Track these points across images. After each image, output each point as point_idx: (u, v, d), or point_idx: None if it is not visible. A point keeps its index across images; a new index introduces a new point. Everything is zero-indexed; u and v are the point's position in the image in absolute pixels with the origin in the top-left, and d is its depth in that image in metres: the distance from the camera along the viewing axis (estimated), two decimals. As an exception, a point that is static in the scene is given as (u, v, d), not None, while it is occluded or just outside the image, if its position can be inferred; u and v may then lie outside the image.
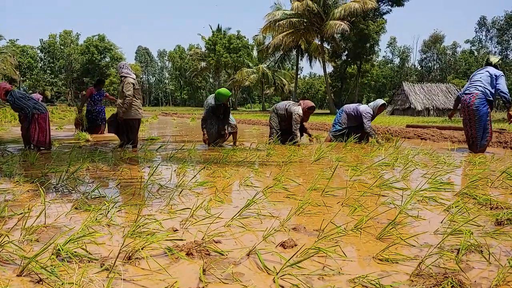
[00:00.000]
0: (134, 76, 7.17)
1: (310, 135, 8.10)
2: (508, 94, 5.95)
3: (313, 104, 7.67)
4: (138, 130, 7.41)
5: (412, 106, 32.53)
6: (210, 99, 7.42)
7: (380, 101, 7.79)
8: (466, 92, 6.16)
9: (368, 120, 7.49)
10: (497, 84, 5.93)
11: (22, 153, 6.07)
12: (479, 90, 5.98)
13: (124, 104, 6.89)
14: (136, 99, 7.07)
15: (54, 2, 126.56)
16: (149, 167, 4.94)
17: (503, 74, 6.04)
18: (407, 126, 10.01)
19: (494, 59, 6.23)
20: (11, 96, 6.71)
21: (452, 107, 32.17)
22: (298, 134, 7.47)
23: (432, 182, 3.68)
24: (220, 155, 5.93)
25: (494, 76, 5.94)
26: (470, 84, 6.14)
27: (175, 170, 4.56)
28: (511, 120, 6.08)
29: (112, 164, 5.09)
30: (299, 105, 7.63)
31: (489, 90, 5.95)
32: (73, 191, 3.50)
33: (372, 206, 2.95)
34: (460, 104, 6.33)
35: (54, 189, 3.60)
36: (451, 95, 34.39)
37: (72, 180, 4.00)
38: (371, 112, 7.61)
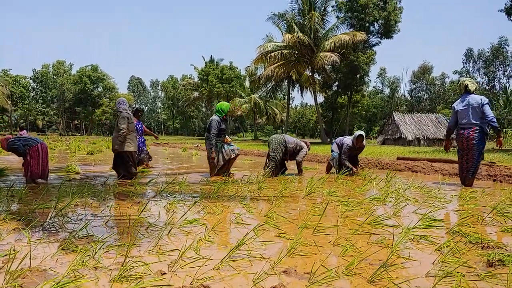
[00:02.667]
0: (130, 112, 7.50)
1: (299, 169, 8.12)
2: (496, 122, 6.03)
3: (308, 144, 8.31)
4: (134, 162, 7.58)
5: (403, 136, 32.82)
6: (214, 117, 7.81)
7: (358, 133, 7.93)
8: (465, 125, 6.18)
9: (343, 152, 7.94)
10: (485, 112, 6.00)
11: (9, 188, 5.99)
12: (477, 125, 6.04)
13: (118, 137, 7.21)
14: (130, 132, 7.35)
15: (48, 33, 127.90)
16: (138, 202, 4.89)
17: (487, 101, 6.13)
18: (398, 158, 10.06)
19: (472, 86, 6.31)
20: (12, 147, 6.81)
21: (443, 137, 32.59)
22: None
23: (423, 219, 3.67)
24: (211, 189, 5.90)
25: (481, 105, 6.02)
26: (466, 116, 6.14)
27: (164, 206, 4.51)
28: (501, 147, 6.24)
29: (101, 199, 5.03)
30: (305, 143, 8.22)
31: (484, 122, 6.02)
32: (61, 230, 3.44)
33: (363, 245, 2.92)
34: (455, 137, 6.38)
35: (41, 227, 3.54)
36: (441, 125, 34.79)
37: (60, 217, 3.94)
38: (350, 144, 7.90)
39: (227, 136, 8.06)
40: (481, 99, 6.04)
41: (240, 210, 4.28)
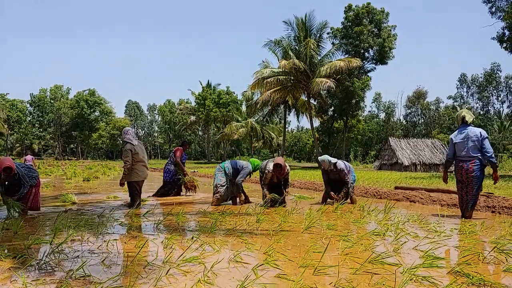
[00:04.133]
0: (135, 142, 7.76)
1: (283, 193, 7.94)
2: (494, 157, 6.04)
3: (280, 162, 7.60)
4: (139, 191, 7.88)
5: (399, 161, 32.90)
6: (249, 166, 8.24)
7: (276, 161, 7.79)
8: (463, 158, 6.19)
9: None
10: (484, 146, 6.02)
11: (5, 220, 5.92)
12: (476, 157, 6.06)
13: (124, 168, 7.68)
14: (136, 162, 7.68)
15: (45, 57, 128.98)
16: (136, 237, 4.83)
17: (487, 135, 6.16)
18: (396, 187, 10.05)
19: (470, 118, 6.35)
20: (17, 174, 6.47)
21: (439, 162, 32.66)
22: (264, 188, 7.81)
23: (424, 256, 3.64)
24: (209, 221, 5.86)
25: (480, 138, 6.04)
26: (464, 149, 6.15)
27: (162, 241, 4.46)
28: (496, 182, 6.26)
29: (98, 234, 4.98)
30: (272, 161, 7.81)
31: (482, 155, 6.04)
32: (57, 269, 3.39)
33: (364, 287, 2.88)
34: (454, 168, 6.38)
35: (37, 266, 3.48)
36: (437, 150, 34.95)
37: (56, 253, 3.89)
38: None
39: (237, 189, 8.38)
40: (480, 133, 6.07)
41: (239, 247, 4.23)
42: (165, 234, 5.00)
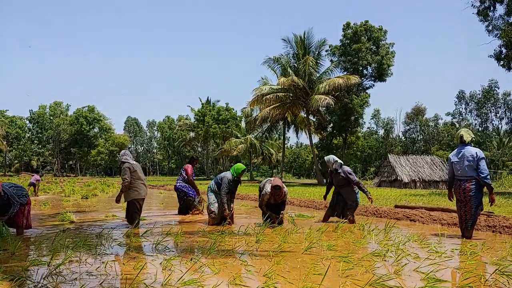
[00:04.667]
0: (133, 162, 7.85)
1: (279, 216, 7.88)
2: (489, 179, 6.03)
3: (278, 184, 7.52)
4: (139, 210, 7.89)
5: (398, 178, 32.83)
6: (228, 175, 7.91)
7: (274, 183, 7.72)
8: (461, 177, 6.19)
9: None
10: (480, 167, 6.02)
11: (1, 240, 5.87)
12: (473, 177, 6.05)
13: (122, 186, 7.71)
14: (135, 180, 7.75)
15: (45, 73, 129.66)
16: (134, 258, 4.79)
17: (483, 155, 6.17)
18: (396, 206, 10.01)
19: (468, 137, 6.35)
20: (5, 194, 6.48)
21: (439, 179, 32.59)
22: (264, 208, 7.67)
23: (425, 279, 3.61)
24: (208, 242, 5.81)
25: (476, 158, 6.05)
26: (461, 168, 6.15)
27: (161, 263, 4.42)
28: (493, 204, 6.25)
29: (96, 254, 4.93)
30: (270, 183, 7.73)
31: (479, 174, 6.03)
32: (54, 293, 3.35)
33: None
34: (453, 187, 6.36)
35: (34, 290, 3.44)
36: (436, 167, 34.91)
37: (54, 275, 3.85)
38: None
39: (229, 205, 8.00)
40: (476, 153, 6.07)
41: (239, 269, 4.19)
42: (164, 255, 4.96)
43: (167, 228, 7.03)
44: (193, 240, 6.28)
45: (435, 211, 8.57)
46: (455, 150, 6.42)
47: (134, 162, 7.95)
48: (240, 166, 7.99)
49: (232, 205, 7.99)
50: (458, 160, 6.22)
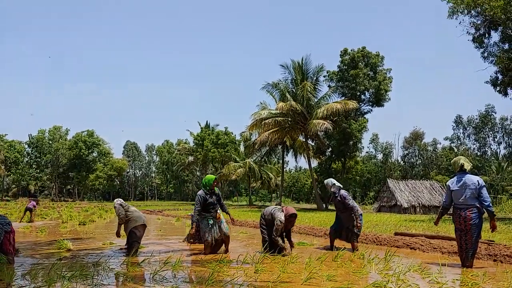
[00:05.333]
0: (121, 201, 8.35)
1: (290, 245, 7.91)
2: (492, 206, 6.01)
3: (294, 212, 7.64)
4: (139, 239, 8.01)
5: (398, 203, 32.69)
6: (199, 192, 7.74)
7: (292, 211, 7.71)
8: (461, 206, 6.16)
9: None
10: (482, 195, 6.01)
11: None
12: (474, 205, 6.03)
13: (119, 221, 8.13)
14: (131, 212, 8.13)
15: (44, 98, 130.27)
16: (132, 289, 4.72)
17: (484, 183, 6.17)
18: (395, 234, 9.93)
19: (468, 165, 6.36)
20: None
21: (438, 204, 32.44)
22: (279, 240, 7.46)
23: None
24: (206, 271, 5.74)
25: (478, 187, 6.04)
26: (462, 196, 6.12)
27: (159, 295, 4.36)
28: (494, 230, 6.22)
29: (93, 285, 4.87)
30: (282, 211, 7.65)
31: (480, 203, 6.01)
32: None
33: None
34: (452, 216, 6.33)
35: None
36: (436, 192, 34.81)
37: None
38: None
39: (219, 212, 7.92)
40: (478, 181, 6.08)
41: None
42: (161, 285, 4.89)
43: (165, 257, 6.95)
44: (191, 269, 6.21)
45: (435, 239, 8.50)
46: (455, 178, 6.40)
47: (123, 202, 8.36)
48: (209, 176, 7.87)
49: (218, 229, 7.71)
50: (458, 188, 6.20)
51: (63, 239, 8.92)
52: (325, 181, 8.55)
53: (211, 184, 7.75)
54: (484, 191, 6.03)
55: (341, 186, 8.53)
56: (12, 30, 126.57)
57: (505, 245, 7.24)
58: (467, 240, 6.07)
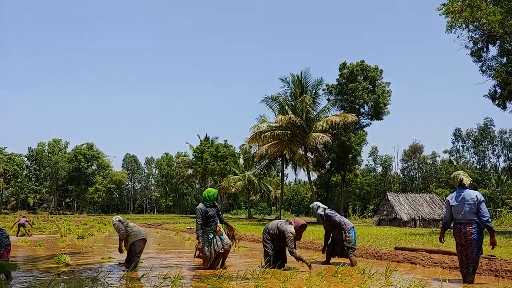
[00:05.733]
0: (120, 218, 8.45)
1: (283, 260, 7.95)
2: (490, 221, 5.99)
3: (304, 222, 7.75)
4: (139, 254, 7.99)
5: (398, 216, 32.56)
6: (199, 205, 7.71)
7: (301, 222, 7.78)
8: (461, 221, 6.15)
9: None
10: (481, 210, 6.00)
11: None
12: (474, 220, 6.01)
13: (119, 237, 8.19)
14: (131, 227, 8.17)
15: (45, 111, 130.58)
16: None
17: (483, 198, 6.15)
18: (396, 248, 9.88)
19: (467, 180, 6.36)
20: None
21: (438, 218, 32.34)
22: (295, 251, 7.47)
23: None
24: (206, 287, 5.70)
25: (476, 202, 6.03)
26: (461, 212, 6.11)
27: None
28: (494, 247, 6.18)
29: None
30: (290, 223, 7.69)
31: (479, 218, 5.99)
32: None
33: None
34: (453, 230, 6.31)
35: None
36: (435, 205, 34.70)
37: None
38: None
39: (219, 225, 7.93)
40: (476, 196, 6.07)
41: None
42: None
43: (164, 272, 6.91)
44: (191, 285, 6.17)
45: (436, 253, 8.46)
46: (454, 193, 6.40)
47: (122, 219, 8.42)
48: (212, 190, 7.87)
49: (219, 242, 7.68)
50: (457, 203, 6.19)
51: (62, 254, 8.87)
52: (311, 206, 8.64)
53: (214, 198, 7.81)
54: (483, 206, 6.01)
55: (326, 207, 8.66)
56: (12, 42, 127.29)
57: (506, 260, 7.21)
58: (468, 255, 6.04)
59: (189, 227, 22.85)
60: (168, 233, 20.80)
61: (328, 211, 8.44)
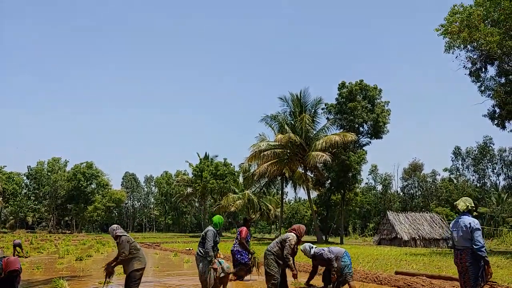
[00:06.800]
0: (124, 232, 7.62)
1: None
2: (485, 251, 5.92)
3: (304, 227, 8.00)
4: (139, 280, 7.50)
5: (398, 236, 32.36)
6: (211, 228, 7.71)
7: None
8: (458, 247, 6.14)
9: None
10: (474, 238, 5.94)
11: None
12: (469, 248, 5.98)
13: (119, 259, 7.38)
14: (136, 250, 7.43)
15: (44, 130, 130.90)
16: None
17: (479, 227, 6.11)
18: (396, 273, 9.82)
19: (463, 205, 6.29)
20: None
21: (439, 237, 32.11)
22: (290, 258, 7.54)
23: None
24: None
25: (469, 229, 5.99)
26: (457, 237, 6.10)
27: None
28: (489, 278, 6.06)
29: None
30: (291, 231, 7.80)
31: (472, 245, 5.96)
32: None
33: None
34: (454, 256, 6.28)
35: None
36: (436, 224, 34.55)
37: None
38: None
39: (219, 252, 7.92)
40: (470, 224, 6.02)
41: None
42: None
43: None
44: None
45: (436, 279, 8.40)
46: (456, 219, 6.42)
47: (128, 235, 7.82)
48: (221, 217, 7.98)
49: (219, 267, 7.59)
50: (455, 229, 6.20)
51: (59, 278, 8.79)
52: (302, 248, 8.58)
53: (222, 225, 7.97)
54: (476, 234, 5.94)
55: (312, 246, 8.71)
56: (12, 60, 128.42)
57: (508, 285, 7.16)
58: (466, 281, 6.00)
59: (188, 248, 22.67)
60: (166, 254, 20.62)
61: (316, 250, 8.39)
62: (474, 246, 5.89)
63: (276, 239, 7.88)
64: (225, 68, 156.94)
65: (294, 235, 7.68)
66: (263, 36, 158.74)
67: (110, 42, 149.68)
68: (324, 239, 38.33)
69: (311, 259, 8.71)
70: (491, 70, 25.22)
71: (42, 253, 21.26)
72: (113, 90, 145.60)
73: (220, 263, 7.68)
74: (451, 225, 6.36)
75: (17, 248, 18.13)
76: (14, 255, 17.38)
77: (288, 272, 7.83)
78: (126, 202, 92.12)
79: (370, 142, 37.55)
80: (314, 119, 36.07)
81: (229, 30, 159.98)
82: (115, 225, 7.72)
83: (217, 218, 7.91)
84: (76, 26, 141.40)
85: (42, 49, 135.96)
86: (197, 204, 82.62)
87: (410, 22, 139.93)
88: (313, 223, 47.06)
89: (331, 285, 8.03)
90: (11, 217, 77.51)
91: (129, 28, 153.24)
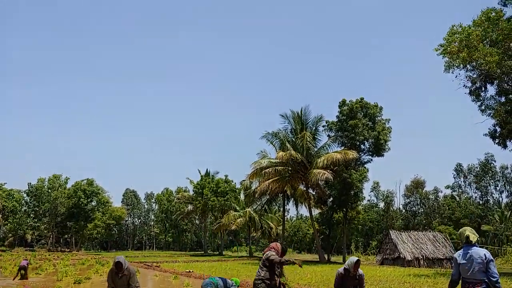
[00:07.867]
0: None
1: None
2: (499, 283, 5.76)
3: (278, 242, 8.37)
4: None
5: (401, 255, 31.95)
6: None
7: (354, 259, 7.61)
8: (469, 279, 5.93)
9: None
10: (490, 270, 5.79)
11: None
12: (483, 280, 5.80)
13: None
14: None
15: (46, 146, 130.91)
16: None
17: (492, 258, 5.96)
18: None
19: (474, 237, 6.17)
20: None
21: (442, 257, 31.66)
22: (282, 259, 7.57)
23: None
24: None
25: (485, 261, 5.83)
26: (470, 271, 5.89)
27: None
28: None
29: None
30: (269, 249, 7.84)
31: (488, 278, 5.79)
32: None
33: None
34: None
35: None
36: (439, 244, 34.15)
37: None
38: (342, 272, 7.61)
39: None
40: (485, 255, 5.86)
41: None
42: None
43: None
44: None
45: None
46: (461, 250, 6.19)
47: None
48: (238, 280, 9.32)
49: None
50: (465, 262, 5.97)
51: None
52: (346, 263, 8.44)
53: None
54: (492, 266, 5.80)
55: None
56: (16, 77, 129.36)
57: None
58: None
59: (188, 270, 22.37)
60: (166, 276, 20.31)
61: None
62: (492, 279, 5.70)
63: (259, 265, 7.71)
64: (226, 84, 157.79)
65: (273, 251, 7.61)
66: (263, 54, 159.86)
67: (108, 56, 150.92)
68: (326, 258, 37.90)
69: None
70: (491, 89, 25.26)
71: (40, 274, 20.96)
72: (113, 106, 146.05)
73: None
74: (458, 256, 6.16)
75: (21, 271, 17.81)
76: (14, 279, 17.13)
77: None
78: (126, 219, 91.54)
79: (371, 160, 37.44)
80: (315, 136, 36.11)
81: (230, 47, 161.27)
82: (122, 257, 7.84)
83: (237, 280, 9.44)
84: (68, 44, 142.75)
85: (37, 64, 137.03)
86: (197, 222, 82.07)
87: (411, 41, 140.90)
88: (315, 241, 46.65)
89: None
90: (10, 235, 76.95)
91: (122, 41, 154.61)
